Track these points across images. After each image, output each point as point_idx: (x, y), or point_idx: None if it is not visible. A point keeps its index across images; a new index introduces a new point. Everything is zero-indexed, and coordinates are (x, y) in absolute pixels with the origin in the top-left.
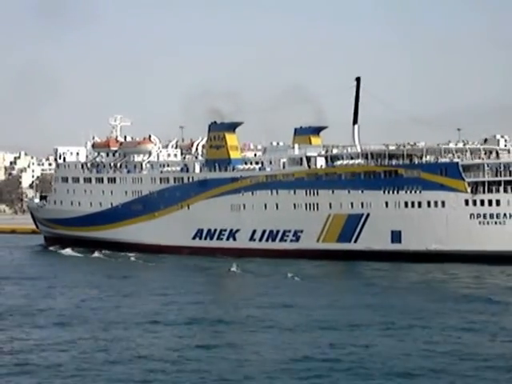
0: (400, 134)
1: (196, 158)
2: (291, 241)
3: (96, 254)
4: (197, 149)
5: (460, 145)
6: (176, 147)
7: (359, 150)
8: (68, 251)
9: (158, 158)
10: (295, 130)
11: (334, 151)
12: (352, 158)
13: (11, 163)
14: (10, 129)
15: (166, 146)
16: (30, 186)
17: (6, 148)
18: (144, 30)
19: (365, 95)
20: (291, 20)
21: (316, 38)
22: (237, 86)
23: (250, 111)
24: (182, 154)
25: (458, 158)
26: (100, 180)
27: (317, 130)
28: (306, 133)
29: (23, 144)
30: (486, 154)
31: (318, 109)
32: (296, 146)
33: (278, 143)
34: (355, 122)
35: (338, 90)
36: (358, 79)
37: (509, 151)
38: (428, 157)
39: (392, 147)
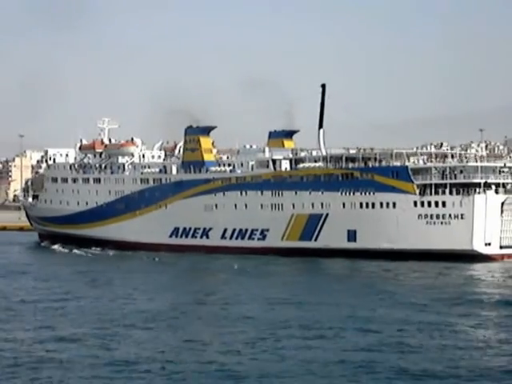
0: (411, 135)
1: (179, 159)
2: (258, 239)
3: (75, 251)
4: (179, 151)
5: (483, 145)
6: (161, 149)
7: (324, 154)
8: (54, 248)
9: (140, 160)
10: (269, 133)
11: (302, 154)
12: (315, 161)
13: (38, 162)
14: (37, 128)
15: (152, 148)
16: None
17: (34, 147)
18: (137, 34)
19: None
20: (267, 24)
21: (295, 39)
22: (212, 89)
23: (225, 115)
24: (165, 155)
25: (411, 161)
26: (86, 180)
27: (289, 134)
28: (279, 136)
29: (50, 143)
30: (436, 157)
31: (291, 113)
32: (266, 149)
33: (250, 146)
34: (321, 126)
35: (312, 95)
36: (323, 86)
37: (458, 155)
38: (382, 160)
39: (353, 151)
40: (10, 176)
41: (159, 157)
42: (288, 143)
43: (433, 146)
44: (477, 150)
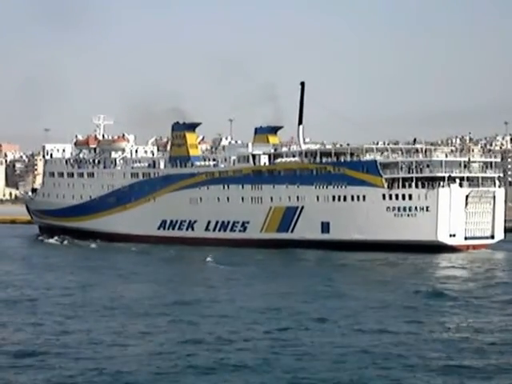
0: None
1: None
2: (239, 231)
3: (65, 242)
4: None
5: (508, 138)
6: (154, 145)
7: (303, 149)
8: (48, 240)
9: (131, 155)
10: (255, 129)
11: (284, 149)
12: (294, 156)
13: None
14: (62, 123)
15: (146, 144)
16: None
17: (59, 141)
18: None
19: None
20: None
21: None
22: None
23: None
24: (158, 150)
25: (381, 156)
26: (81, 175)
27: (274, 130)
28: (264, 132)
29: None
30: (407, 152)
31: (278, 108)
32: (250, 144)
33: (236, 141)
34: (300, 122)
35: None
36: (302, 84)
37: (425, 150)
38: (354, 155)
39: (329, 146)
40: (36, 169)
41: (152, 152)
42: (272, 139)
43: (457, 139)
44: (502, 144)
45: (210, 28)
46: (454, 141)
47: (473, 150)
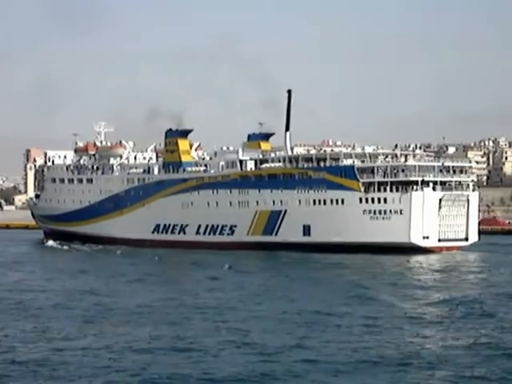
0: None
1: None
2: (228, 234)
3: (65, 247)
4: None
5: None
6: (153, 151)
7: (289, 155)
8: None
9: (128, 161)
10: (248, 135)
11: (272, 155)
12: (279, 161)
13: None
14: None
15: (146, 150)
16: None
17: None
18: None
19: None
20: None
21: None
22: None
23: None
24: (157, 157)
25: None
26: (80, 181)
27: (265, 136)
28: (256, 138)
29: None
30: (386, 157)
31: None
32: (240, 150)
33: (227, 148)
34: (287, 129)
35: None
36: (289, 91)
37: (405, 156)
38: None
39: (313, 151)
40: None
41: (151, 158)
42: (264, 145)
43: (491, 141)
44: None
45: (209, 28)
46: (486, 143)
47: (506, 153)
